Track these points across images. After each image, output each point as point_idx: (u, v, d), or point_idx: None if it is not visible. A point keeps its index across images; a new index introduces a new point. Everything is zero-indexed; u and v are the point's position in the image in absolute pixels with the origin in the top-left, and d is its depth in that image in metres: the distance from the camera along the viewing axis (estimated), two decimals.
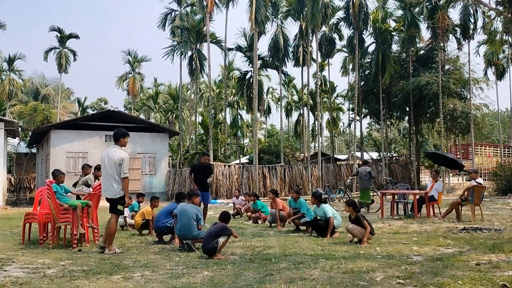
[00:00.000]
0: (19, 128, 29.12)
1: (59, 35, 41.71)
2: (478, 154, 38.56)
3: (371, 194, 17.43)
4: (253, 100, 30.44)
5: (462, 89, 32.01)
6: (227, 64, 38.88)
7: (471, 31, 32.10)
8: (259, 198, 13.19)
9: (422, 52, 33.90)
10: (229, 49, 35.42)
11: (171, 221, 8.61)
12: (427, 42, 33.47)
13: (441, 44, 31.18)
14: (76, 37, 42.57)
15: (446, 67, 31.97)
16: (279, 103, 42.68)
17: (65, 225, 8.43)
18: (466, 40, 32.99)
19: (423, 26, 32.27)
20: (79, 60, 79.39)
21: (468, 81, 31.34)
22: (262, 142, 45.05)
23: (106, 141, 26.96)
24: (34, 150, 38.15)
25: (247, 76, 34.95)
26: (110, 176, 7.46)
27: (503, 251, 6.86)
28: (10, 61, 45.59)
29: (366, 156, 38.72)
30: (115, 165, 7.41)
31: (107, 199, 7.56)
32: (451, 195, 25.56)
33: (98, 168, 9.54)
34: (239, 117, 44.42)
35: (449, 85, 29.62)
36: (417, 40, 32.37)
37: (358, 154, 37.55)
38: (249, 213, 13.07)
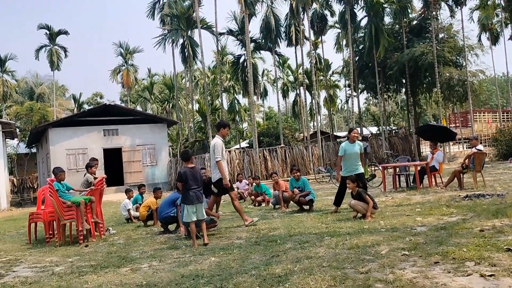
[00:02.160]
0: (17, 129, 29.06)
1: (48, 32, 41.38)
2: (477, 121, 38.56)
3: (373, 168, 17.52)
4: (249, 83, 30.28)
5: (458, 57, 31.83)
6: (219, 49, 38.52)
7: None
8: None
9: (415, 22, 33.62)
10: (221, 34, 35.11)
11: (174, 211, 8.64)
12: (420, 12, 33.17)
13: (434, 13, 30.88)
14: (66, 33, 42.28)
15: (440, 35, 31.73)
16: (275, 84, 42.54)
17: (70, 222, 8.48)
18: (459, 7, 32.74)
19: None
20: (71, 56, 78.93)
21: (463, 48, 31.14)
22: (261, 125, 45.01)
23: (104, 135, 26.96)
24: (34, 150, 38.17)
25: (241, 60, 34.74)
26: (213, 161, 8.37)
27: (506, 215, 6.89)
28: (2, 62, 45.32)
29: (365, 131, 38.71)
30: (213, 151, 8.27)
31: (213, 182, 8.48)
32: (452, 163, 25.62)
33: (90, 165, 9.55)
34: (236, 101, 44.29)
35: (444, 54, 29.45)
36: (409, 10, 32.10)
37: (358, 129, 37.51)
38: (252, 197, 13.13)
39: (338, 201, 9.51)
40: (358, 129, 9.23)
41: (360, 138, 23.64)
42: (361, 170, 9.23)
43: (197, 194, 7.20)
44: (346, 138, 10.09)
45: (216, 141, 8.28)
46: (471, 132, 33.06)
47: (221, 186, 8.29)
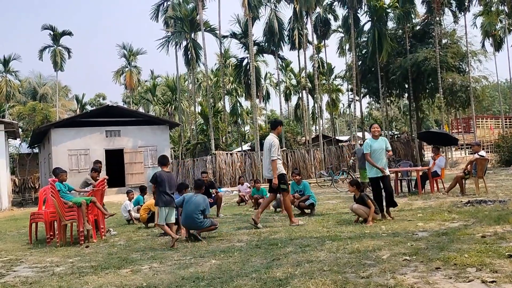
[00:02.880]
0: (20, 129, 29.15)
1: (52, 33, 41.50)
2: (479, 126, 38.50)
3: None
4: (251, 86, 30.31)
5: (461, 63, 31.85)
6: (223, 52, 38.67)
7: (466, 3, 31.85)
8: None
9: (418, 27, 33.66)
10: (224, 37, 35.24)
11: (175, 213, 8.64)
12: (423, 17, 33.22)
13: (437, 18, 30.93)
14: (69, 34, 42.38)
15: (443, 41, 31.76)
16: (277, 88, 42.59)
17: (71, 223, 8.48)
18: (462, 13, 32.75)
19: (418, 1, 32.15)
20: (74, 57, 79.16)
21: (466, 54, 31.14)
22: (263, 128, 44.98)
23: (106, 136, 26.97)
24: (36, 150, 38.22)
25: (244, 63, 34.80)
26: (265, 160, 8.80)
27: (508, 222, 6.87)
28: (6, 62, 45.46)
29: (367, 136, 38.66)
30: (268, 149, 8.54)
31: (268, 180, 8.81)
32: (454, 169, 25.57)
33: (95, 169, 9.64)
34: (238, 104, 44.34)
35: (447, 59, 29.45)
36: (412, 15, 32.14)
37: (360, 134, 37.50)
38: (253, 200, 13.16)
39: (381, 205, 8.42)
40: (376, 125, 8.40)
41: (362, 142, 23.65)
42: (386, 172, 8.57)
43: (170, 198, 7.41)
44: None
45: (273, 140, 8.60)
46: (474, 138, 32.99)
47: (281, 183, 8.53)
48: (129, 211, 11.10)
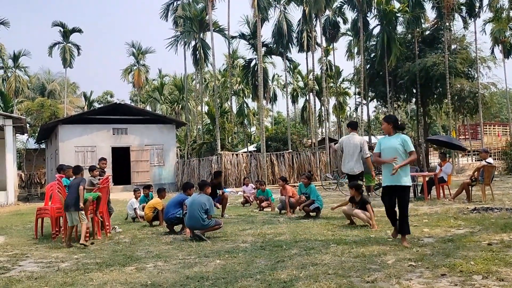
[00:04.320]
0: (27, 125, 29.29)
1: (62, 30, 41.76)
2: (487, 133, 38.28)
3: (380, 177, 17.43)
4: (259, 87, 30.31)
5: (469, 69, 31.69)
6: (231, 52, 38.73)
7: (477, 9, 31.69)
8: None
9: (427, 32, 33.52)
10: (233, 37, 35.28)
11: (180, 212, 8.66)
12: (433, 22, 33.09)
13: (447, 24, 30.81)
14: (79, 31, 42.62)
15: (453, 46, 31.62)
16: (284, 89, 42.55)
17: None
18: (472, 19, 32.59)
19: (428, 6, 31.91)
20: (83, 54, 79.51)
21: (475, 60, 30.98)
22: (269, 130, 44.99)
23: (113, 134, 27.09)
24: (43, 146, 38.44)
25: (252, 64, 34.81)
26: (350, 156, 9.44)
27: None
28: (15, 58, 45.76)
29: (374, 140, 38.56)
30: (356, 147, 9.32)
31: (347, 174, 9.68)
32: (461, 175, 25.43)
33: (93, 168, 9.67)
34: (245, 105, 44.36)
35: (456, 65, 29.32)
36: (422, 20, 32.03)
37: (366, 138, 37.38)
38: (258, 201, 13.18)
39: (393, 220, 6.71)
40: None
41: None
42: (407, 182, 6.44)
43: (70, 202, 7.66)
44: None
45: (362, 139, 9.65)
46: (481, 145, 32.79)
47: (358, 178, 9.49)
48: (134, 209, 11.13)
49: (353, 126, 10.03)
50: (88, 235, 8.16)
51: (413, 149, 6.48)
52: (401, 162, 6.37)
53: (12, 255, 7.02)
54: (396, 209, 6.57)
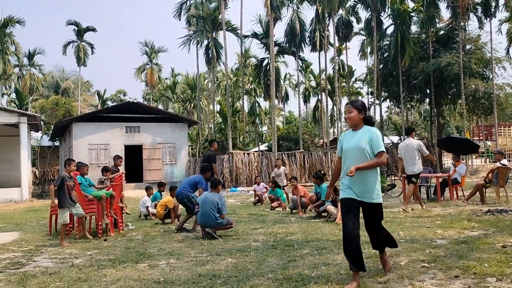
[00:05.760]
0: (42, 122, 29.65)
1: (76, 28, 42.15)
2: (501, 135, 37.75)
3: (393, 178, 17.37)
4: (271, 87, 30.31)
5: (484, 69, 31.32)
6: (243, 51, 38.76)
7: (493, 9, 31.28)
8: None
9: (442, 32, 33.19)
10: (245, 37, 35.31)
11: (194, 196, 8.83)
12: (447, 22, 32.74)
13: (462, 24, 30.45)
14: (93, 30, 43.00)
15: (467, 47, 31.26)
16: (296, 89, 42.47)
17: (90, 216, 8.61)
18: (488, 18, 32.18)
19: (442, 5, 31.60)
20: (97, 53, 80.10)
21: (490, 60, 30.61)
22: (280, 129, 44.95)
23: (126, 132, 27.28)
24: (57, 143, 38.87)
25: (264, 63, 34.82)
26: (410, 159, 10.45)
27: None
28: (30, 56, 46.29)
29: (386, 140, 38.33)
30: (414, 150, 10.37)
31: (407, 175, 10.62)
32: (474, 177, 25.14)
33: (105, 169, 9.83)
34: (257, 104, 44.39)
35: (470, 65, 28.99)
36: (436, 20, 31.71)
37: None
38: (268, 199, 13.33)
39: (356, 253, 4.71)
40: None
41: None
42: (378, 198, 4.71)
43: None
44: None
45: (419, 142, 10.74)
46: (495, 146, 32.40)
47: (415, 177, 10.57)
48: (147, 207, 11.21)
49: (408, 132, 11.32)
50: (101, 231, 8.27)
51: (383, 149, 4.58)
52: (355, 163, 4.53)
53: (27, 251, 7.12)
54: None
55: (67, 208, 7.74)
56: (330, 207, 9.28)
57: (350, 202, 4.65)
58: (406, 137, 11.43)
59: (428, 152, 10.85)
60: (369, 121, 4.77)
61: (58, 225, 8.51)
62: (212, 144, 12.49)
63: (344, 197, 4.71)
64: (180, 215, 10.27)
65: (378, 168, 4.69)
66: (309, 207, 10.64)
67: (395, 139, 41.51)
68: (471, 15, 31.43)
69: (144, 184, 26.32)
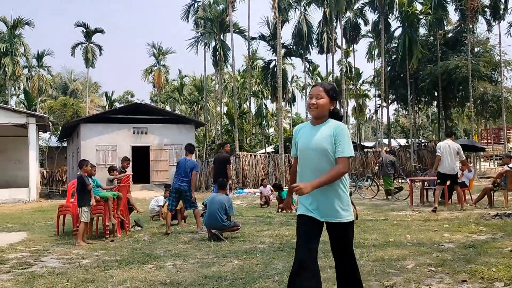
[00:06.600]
0: (50, 123, 29.83)
1: (84, 30, 42.43)
2: (510, 138, 37.49)
3: (400, 181, 17.30)
4: (278, 89, 30.31)
5: (493, 72, 31.14)
6: (250, 53, 38.81)
7: (501, 11, 31.09)
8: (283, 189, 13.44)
9: (450, 35, 33.06)
10: (253, 39, 35.36)
11: (187, 184, 8.93)
12: (455, 25, 32.61)
13: (470, 26, 30.29)
14: (102, 31, 43.27)
15: (476, 49, 31.10)
16: (303, 91, 42.45)
17: (97, 217, 8.64)
18: (497, 21, 31.99)
19: (451, 8, 31.46)
20: (105, 54, 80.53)
21: (499, 63, 30.41)
22: (287, 131, 44.89)
23: (134, 133, 27.39)
24: (65, 144, 39.11)
25: (271, 65, 34.83)
26: (450, 159, 10.89)
27: None
28: (39, 57, 46.63)
29: (394, 143, 38.19)
30: (454, 151, 10.88)
31: (448, 175, 11.01)
32: (482, 180, 24.96)
33: (112, 169, 9.86)
34: (263, 106, 44.39)
35: (479, 68, 28.83)
36: (445, 22, 31.59)
37: (386, 141, 37.03)
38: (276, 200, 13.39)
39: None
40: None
41: (388, 149, 23.37)
42: (348, 216, 3.59)
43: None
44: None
45: (458, 145, 11.18)
46: (504, 150, 32.17)
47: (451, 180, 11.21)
48: (160, 206, 11.11)
49: (449, 134, 11.99)
50: (108, 232, 8.30)
51: (349, 154, 3.36)
52: (321, 178, 3.32)
53: (34, 251, 7.16)
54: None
55: (88, 207, 7.85)
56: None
57: (309, 221, 3.52)
58: (446, 138, 12.25)
59: (464, 157, 11.66)
60: (337, 115, 3.54)
61: (80, 224, 8.02)
62: (225, 146, 12.77)
63: (302, 213, 3.54)
64: (186, 216, 10.28)
65: (344, 176, 3.41)
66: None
67: (403, 141, 41.33)
68: (480, 17, 31.28)
69: (151, 185, 26.44)
